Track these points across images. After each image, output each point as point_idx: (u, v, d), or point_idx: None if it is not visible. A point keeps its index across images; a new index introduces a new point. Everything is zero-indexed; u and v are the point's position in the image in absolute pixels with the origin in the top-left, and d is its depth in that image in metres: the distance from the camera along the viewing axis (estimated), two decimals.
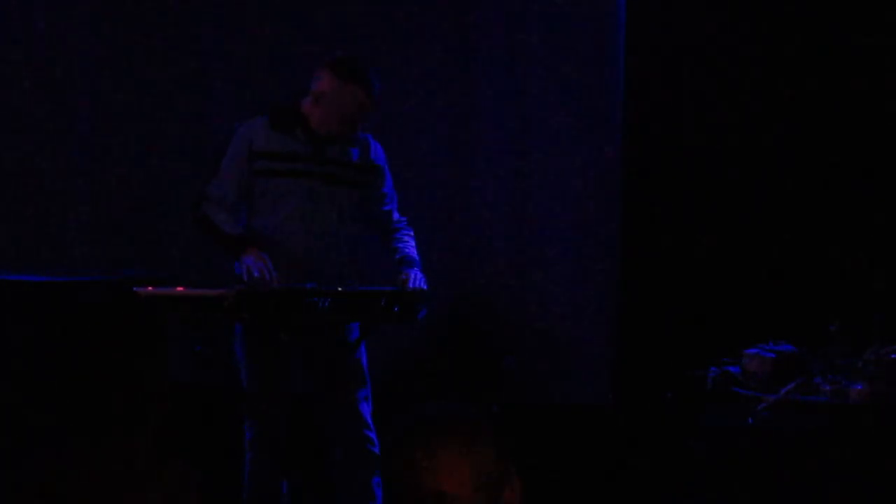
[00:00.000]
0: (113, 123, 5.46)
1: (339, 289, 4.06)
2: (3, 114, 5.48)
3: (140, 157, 5.44)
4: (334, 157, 4.27)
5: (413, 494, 1.83)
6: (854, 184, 5.01)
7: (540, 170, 5.26)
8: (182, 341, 4.46)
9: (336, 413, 4.29)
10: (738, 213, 5.12)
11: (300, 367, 4.31)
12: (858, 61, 4.99)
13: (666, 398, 4.31)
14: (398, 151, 4.72)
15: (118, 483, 2.14)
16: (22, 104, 5.47)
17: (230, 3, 5.42)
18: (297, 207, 4.21)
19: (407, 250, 4.40)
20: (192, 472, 2.20)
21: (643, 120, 5.17)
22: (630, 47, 5.17)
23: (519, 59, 5.26)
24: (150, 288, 3.99)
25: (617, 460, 5.02)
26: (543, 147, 5.25)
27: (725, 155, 5.13)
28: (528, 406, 5.10)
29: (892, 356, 3.80)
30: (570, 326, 5.24)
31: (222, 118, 5.00)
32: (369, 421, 4.28)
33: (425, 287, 4.23)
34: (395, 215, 4.49)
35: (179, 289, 3.98)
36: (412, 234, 4.48)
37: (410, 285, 4.21)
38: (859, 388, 3.77)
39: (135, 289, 3.97)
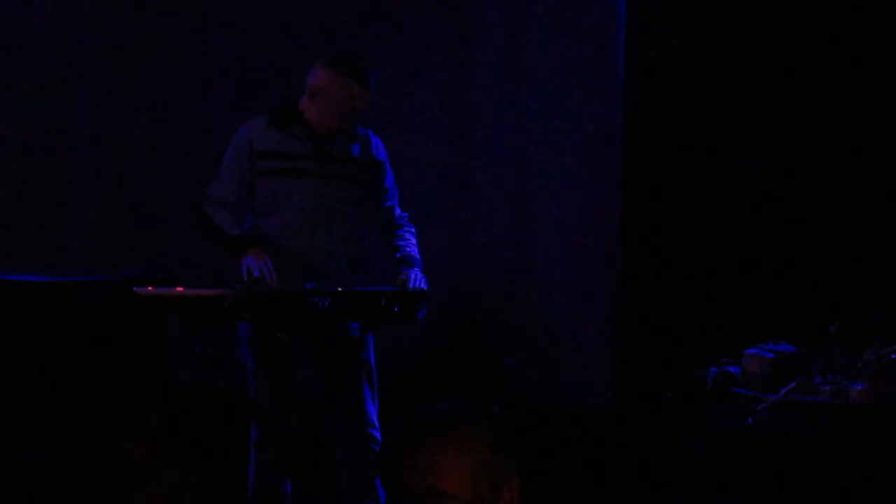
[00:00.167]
0: (113, 123, 5.46)
1: (339, 289, 4.06)
2: (3, 114, 5.48)
3: (140, 157, 5.44)
4: (335, 154, 4.26)
5: (412, 493, 1.83)
6: (854, 184, 5.01)
7: (540, 170, 5.26)
8: (182, 341, 4.47)
9: (343, 412, 4.29)
10: (738, 212, 5.12)
11: (308, 367, 4.31)
12: (858, 61, 4.99)
13: (666, 398, 4.32)
14: (398, 151, 4.72)
15: (118, 483, 2.13)
16: (22, 104, 5.47)
17: (230, 3, 5.42)
18: (301, 207, 4.21)
19: (408, 249, 4.39)
20: (192, 472, 2.20)
21: (643, 120, 5.17)
22: (630, 47, 5.18)
23: (519, 58, 5.26)
24: (150, 288, 3.99)
25: (617, 460, 5.02)
26: (543, 147, 5.26)
27: (725, 154, 5.14)
28: (528, 406, 5.10)
29: (892, 356, 3.80)
30: (570, 326, 5.24)
31: (222, 118, 5.00)
32: (375, 420, 4.28)
33: (425, 287, 4.23)
34: (397, 211, 4.47)
35: (179, 289, 3.98)
36: (414, 231, 4.47)
37: (410, 285, 4.21)
38: (859, 388, 3.77)
39: (135, 289, 3.98)
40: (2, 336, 4.59)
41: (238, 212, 4.26)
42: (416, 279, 4.24)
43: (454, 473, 1.83)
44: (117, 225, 5.43)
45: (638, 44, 5.17)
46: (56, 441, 2.18)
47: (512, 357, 4.95)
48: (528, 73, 5.26)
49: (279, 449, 4.22)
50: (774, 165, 5.09)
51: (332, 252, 4.22)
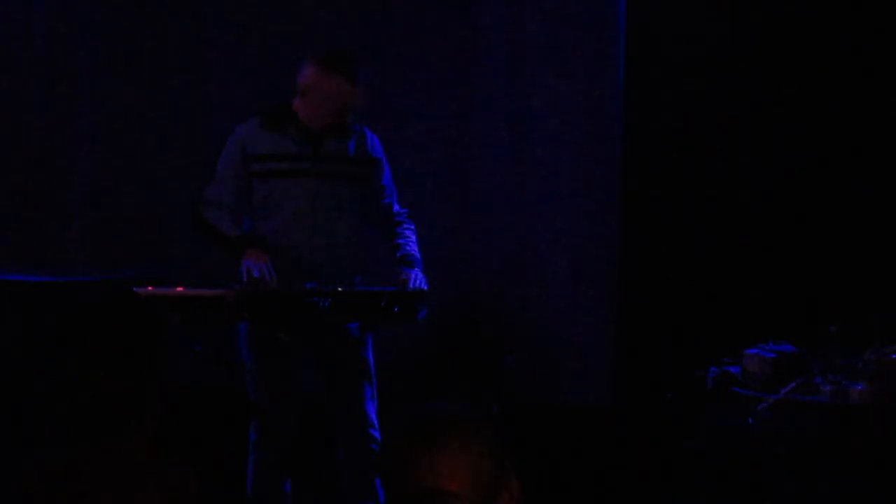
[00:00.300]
0: (113, 123, 5.46)
1: (340, 289, 4.06)
2: (3, 114, 5.48)
3: (140, 156, 5.44)
4: (330, 152, 4.24)
5: (412, 493, 1.83)
6: (854, 184, 5.01)
7: (540, 169, 5.26)
8: (182, 341, 4.47)
9: (342, 412, 4.28)
10: (738, 212, 5.12)
11: (308, 367, 4.30)
12: (858, 61, 4.99)
13: (666, 398, 4.31)
14: (398, 151, 4.72)
15: (118, 483, 2.13)
16: (22, 104, 5.47)
17: (231, 3, 5.42)
18: (298, 208, 4.19)
19: (408, 248, 4.37)
20: (192, 472, 2.20)
21: (643, 120, 5.17)
22: (630, 47, 5.18)
23: (519, 58, 5.26)
24: (150, 288, 4.00)
25: (617, 460, 5.02)
26: (543, 147, 5.25)
27: (726, 155, 5.13)
28: (528, 406, 5.10)
29: (892, 356, 3.80)
30: (570, 326, 5.24)
31: (222, 118, 5.00)
32: (374, 420, 4.28)
33: (425, 287, 4.22)
34: (396, 207, 4.45)
35: (179, 289, 3.98)
36: (413, 228, 4.45)
37: (410, 285, 4.20)
38: (859, 388, 3.77)
39: (135, 289, 3.98)
40: (2, 336, 4.59)
41: (235, 213, 4.25)
42: (417, 279, 4.23)
43: (454, 473, 1.83)
44: (117, 225, 5.43)
45: (638, 44, 5.17)
46: (56, 441, 2.18)
47: (512, 357, 4.95)
48: (527, 73, 5.26)
49: (278, 449, 4.22)
50: (774, 165, 5.09)
51: (331, 251, 4.21)
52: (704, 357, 4.21)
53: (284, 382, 4.21)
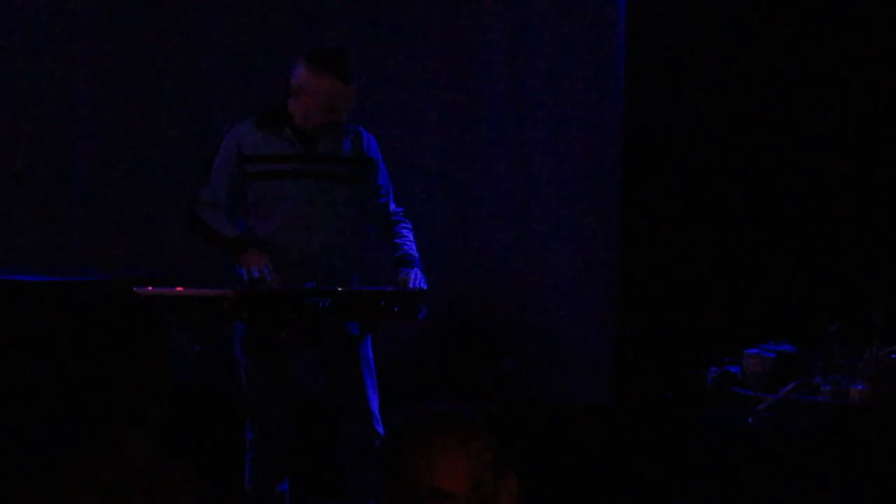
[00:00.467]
0: (113, 124, 5.46)
1: (339, 289, 4.06)
2: (2, 113, 5.48)
3: (140, 156, 5.44)
4: (326, 153, 4.23)
5: (410, 493, 1.83)
6: (854, 184, 5.01)
7: (540, 170, 5.26)
8: (182, 341, 4.47)
9: (345, 409, 4.29)
10: (738, 212, 5.11)
11: (308, 367, 4.30)
12: (858, 61, 4.99)
13: (666, 398, 4.31)
14: (398, 151, 4.71)
15: (117, 483, 2.13)
16: (22, 103, 5.47)
17: (230, 3, 5.42)
18: (294, 209, 4.19)
19: (406, 247, 4.37)
20: (192, 472, 2.20)
21: (643, 120, 5.17)
22: (630, 47, 5.17)
23: (519, 58, 5.26)
24: (150, 288, 4.01)
25: (617, 460, 5.02)
26: (543, 147, 5.25)
27: (725, 155, 5.13)
28: (528, 406, 5.10)
29: (892, 356, 3.80)
30: (570, 326, 5.24)
31: (222, 118, 4.99)
32: (378, 414, 4.28)
33: (425, 287, 4.22)
34: (392, 206, 4.45)
35: (179, 289, 3.99)
36: (411, 226, 4.45)
37: (410, 285, 4.20)
38: (859, 388, 3.77)
39: (135, 289, 3.98)
40: (2, 336, 4.59)
41: (232, 213, 4.25)
42: (416, 279, 4.23)
43: (453, 473, 1.83)
44: (117, 225, 5.43)
45: (638, 44, 5.17)
46: (56, 441, 2.18)
47: (512, 357, 4.95)
48: (527, 73, 5.25)
49: (275, 448, 4.22)
50: (775, 165, 5.08)
51: (327, 252, 4.21)
52: (704, 357, 4.20)
53: (278, 382, 4.21)
